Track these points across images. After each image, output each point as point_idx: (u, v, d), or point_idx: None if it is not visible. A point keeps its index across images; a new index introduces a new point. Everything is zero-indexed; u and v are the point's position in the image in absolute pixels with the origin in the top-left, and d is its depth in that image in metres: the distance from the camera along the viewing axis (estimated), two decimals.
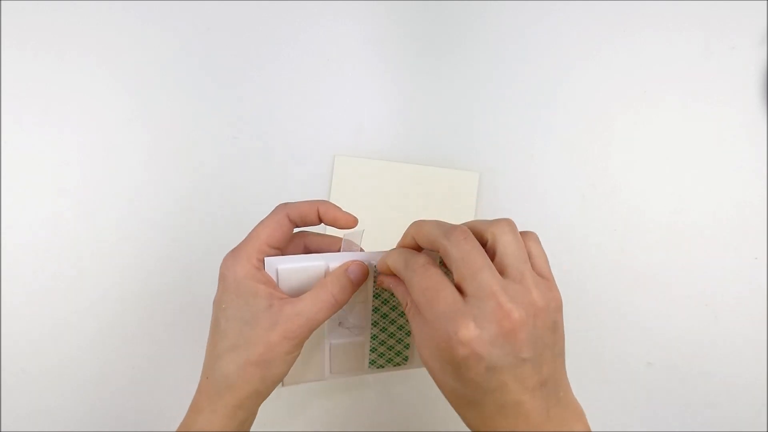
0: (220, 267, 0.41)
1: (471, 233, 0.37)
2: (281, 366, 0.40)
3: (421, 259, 0.38)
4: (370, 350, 0.46)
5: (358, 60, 0.61)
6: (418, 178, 0.59)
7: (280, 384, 0.46)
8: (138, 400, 0.59)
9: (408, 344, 0.46)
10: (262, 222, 0.43)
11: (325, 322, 0.42)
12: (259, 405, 0.42)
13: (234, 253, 0.42)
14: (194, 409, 0.41)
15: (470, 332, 0.34)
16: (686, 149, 0.59)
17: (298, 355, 0.41)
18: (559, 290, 0.40)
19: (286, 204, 0.43)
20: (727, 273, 0.58)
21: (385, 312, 0.45)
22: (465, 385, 0.35)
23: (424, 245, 0.39)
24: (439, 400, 0.56)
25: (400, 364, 0.47)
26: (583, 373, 0.58)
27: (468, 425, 0.38)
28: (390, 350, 0.46)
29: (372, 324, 0.45)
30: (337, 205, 0.43)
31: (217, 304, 0.41)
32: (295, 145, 0.60)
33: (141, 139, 0.60)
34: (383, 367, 0.47)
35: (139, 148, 0.60)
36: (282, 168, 0.60)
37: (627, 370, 0.58)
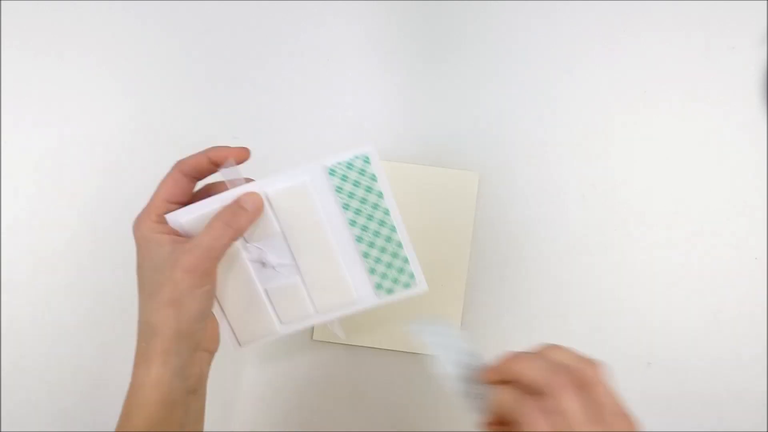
0: (132, 229, 0.44)
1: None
2: (193, 302, 0.41)
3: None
4: (370, 271, 0.45)
5: (358, 60, 0.61)
6: (418, 178, 0.59)
7: (238, 345, 0.47)
8: None
9: (407, 258, 0.45)
10: (164, 178, 0.45)
11: (250, 268, 0.44)
12: (189, 351, 0.42)
13: (139, 216, 0.44)
14: (134, 365, 0.42)
15: None
16: (686, 149, 0.59)
17: (210, 290, 0.42)
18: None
19: (180, 160, 0.45)
20: (727, 273, 0.58)
21: (365, 224, 0.44)
22: None
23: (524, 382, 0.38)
24: (439, 400, 0.55)
25: (408, 285, 0.45)
26: None
27: None
28: (390, 267, 0.45)
29: (357, 240, 0.44)
30: (227, 145, 0.44)
31: (137, 264, 0.43)
32: (295, 145, 0.60)
33: (141, 139, 0.60)
34: (392, 291, 0.46)
35: (138, 148, 0.60)
36: (282, 168, 0.60)
37: (627, 370, 0.58)
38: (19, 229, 0.59)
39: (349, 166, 0.43)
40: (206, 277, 0.41)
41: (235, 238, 0.42)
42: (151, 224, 0.43)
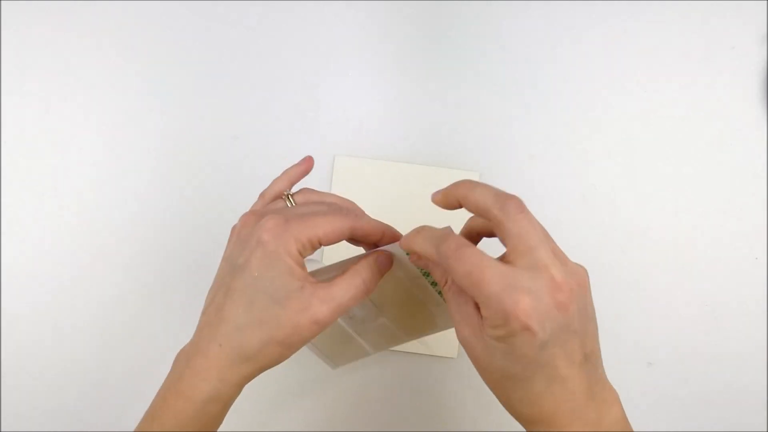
0: (263, 235, 0.39)
1: (525, 206, 0.37)
2: (300, 346, 0.40)
3: (452, 241, 0.36)
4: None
5: (358, 60, 0.61)
6: (418, 178, 0.59)
7: (332, 367, 0.51)
8: (138, 400, 0.59)
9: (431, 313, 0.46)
10: (326, 217, 0.40)
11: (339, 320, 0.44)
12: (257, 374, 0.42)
13: (283, 225, 0.39)
14: (197, 374, 0.40)
15: (527, 306, 0.33)
16: (686, 149, 0.59)
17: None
18: None
19: (355, 216, 0.42)
20: (727, 273, 0.58)
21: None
22: (515, 361, 0.35)
23: (471, 210, 0.38)
24: (439, 400, 0.56)
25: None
26: None
27: (510, 407, 0.38)
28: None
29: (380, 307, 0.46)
30: (402, 235, 0.41)
31: (244, 267, 0.39)
32: (295, 145, 0.60)
33: (141, 139, 0.60)
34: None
35: (138, 148, 0.60)
36: (282, 168, 0.60)
37: (627, 370, 0.58)
38: (19, 229, 0.60)
39: None
40: (324, 329, 0.39)
41: (364, 298, 0.40)
42: (293, 249, 0.39)
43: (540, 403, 0.36)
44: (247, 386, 0.59)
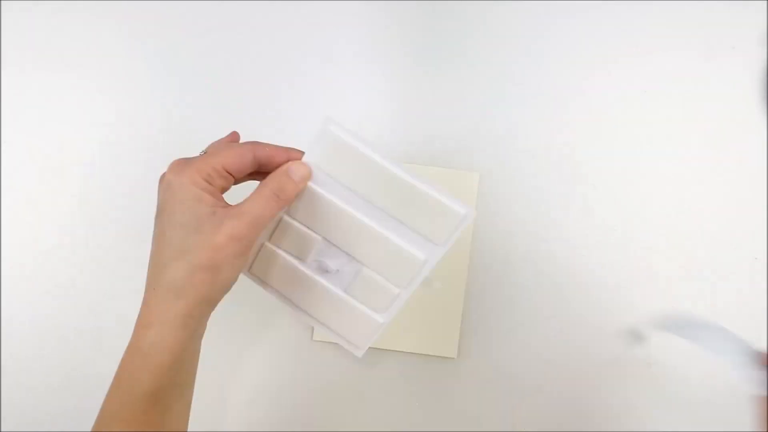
0: (166, 175, 0.40)
1: None
2: (230, 270, 0.39)
3: None
4: (415, 231, 0.45)
5: (357, 60, 0.61)
6: None
7: (359, 352, 0.49)
8: None
9: (437, 198, 0.44)
10: (227, 146, 0.42)
11: (323, 281, 0.46)
12: (209, 314, 0.41)
13: (184, 163, 0.41)
14: (142, 323, 0.40)
15: None
16: (686, 149, 0.59)
17: (246, 261, 0.41)
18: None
19: (256, 143, 0.43)
20: (727, 273, 0.58)
21: (378, 195, 0.44)
22: None
23: None
24: (439, 400, 0.56)
25: (454, 220, 0.45)
26: (584, 373, 0.58)
27: None
28: (428, 216, 0.45)
29: (383, 209, 0.44)
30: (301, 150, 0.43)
31: (161, 212, 0.40)
32: (295, 145, 0.60)
33: (141, 140, 0.60)
34: (446, 234, 0.45)
35: (139, 149, 0.60)
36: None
37: (627, 370, 0.58)
38: (19, 229, 0.60)
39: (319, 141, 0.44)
40: (249, 246, 0.40)
41: (281, 209, 0.41)
42: (198, 179, 0.40)
43: None
44: (245, 383, 0.59)
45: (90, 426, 0.59)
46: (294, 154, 0.43)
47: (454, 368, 0.58)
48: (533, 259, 0.59)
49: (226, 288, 0.40)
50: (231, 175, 0.41)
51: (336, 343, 0.58)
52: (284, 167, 0.42)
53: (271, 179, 0.41)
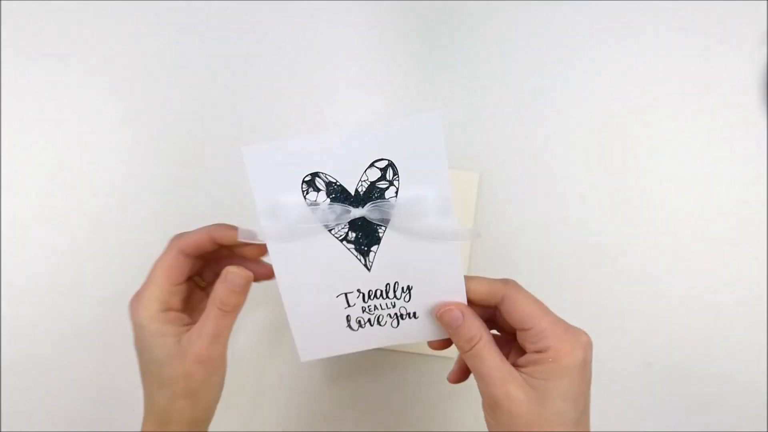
0: (129, 311, 0.43)
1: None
2: (209, 391, 0.42)
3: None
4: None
5: (358, 60, 0.61)
6: None
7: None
8: (137, 400, 0.59)
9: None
10: (157, 262, 0.43)
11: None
12: (206, 428, 0.44)
13: (137, 298, 0.43)
14: None
15: (585, 338, 0.40)
16: (686, 149, 0.59)
17: (223, 374, 0.43)
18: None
19: (178, 236, 0.44)
20: (727, 273, 0.58)
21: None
22: (576, 399, 0.38)
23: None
24: (439, 400, 0.55)
25: None
26: None
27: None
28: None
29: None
30: (230, 224, 0.43)
31: (136, 347, 0.43)
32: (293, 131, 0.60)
33: (141, 140, 0.60)
34: None
35: (139, 149, 0.60)
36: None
37: (627, 370, 0.59)
38: (19, 228, 0.60)
39: None
40: (218, 363, 0.42)
41: (234, 318, 0.43)
42: (155, 312, 0.42)
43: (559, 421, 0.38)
44: (245, 388, 0.59)
45: (89, 425, 0.59)
46: (217, 232, 0.43)
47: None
48: (533, 258, 0.59)
49: (209, 406, 0.43)
50: (178, 283, 0.43)
51: None
52: (222, 275, 0.42)
53: (214, 292, 0.42)
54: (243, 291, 0.42)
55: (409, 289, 0.44)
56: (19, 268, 0.59)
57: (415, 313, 0.45)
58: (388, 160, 0.40)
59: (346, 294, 0.44)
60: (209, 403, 0.42)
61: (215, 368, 0.42)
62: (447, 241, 0.42)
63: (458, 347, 0.42)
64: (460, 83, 0.60)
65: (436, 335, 0.46)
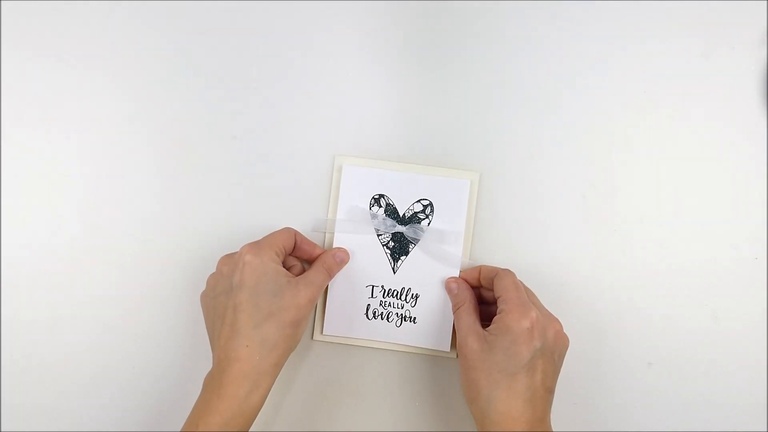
0: (244, 256, 0.51)
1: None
2: (306, 324, 0.53)
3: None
4: None
5: (358, 60, 0.61)
6: (417, 178, 0.59)
7: None
8: (138, 400, 0.59)
9: None
10: (278, 231, 0.55)
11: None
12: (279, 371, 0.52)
13: (257, 246, 0.52)
14: (235, 377, 0.48)
15: (536, 316, 0.50)
16: (686, 149, 0.59)
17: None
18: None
19: (294, 230, 0.56)
20: (727, 273, 0.58)
21: None
22: (511, 357, 0.48)
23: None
24: (439, 400, 0.55)
25: None
26: (584, 373, 0.58)
27: (477, 403, 0.50)
28: None
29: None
30: (333, 254, 0.57)
31: (242, 285, 0.50)
32: (295, 145, 0.60)
33: (141, 140, 0.60)
34: None
35: (138, 149, 0.60)
36: (282, 168, 0.60)
37: (627, 370, 0.58)
38: (19, 229, 0.60)
39: None
40: (312, 311, 0.54)
41: (329, 280, 0.56)
42: (273, 255, 0.52)
43: (516, 404, 0.48)
44: None
45: (89, 425, 0.59)
46: (325, 256, 0.56)
47: (453, 368, 0.58)
48: (533, 258, 0.59)
49: (297, 343, 0.53)
50: (286, 252, 0.55)
51: (336, 343, 0.59)
52: (332, 251, 0.57)
53: (324, 260, 0.55)
54: (342, 264, 0.57)
55: (416, 296, 0.58)
56: (19, 268, 0.59)
57: (414, 319, 0.58)
58: (429, 201, 0.58)
59: (373, 286, 0.58)
60: (301, 336, 0.53)
61: (311, 313, 0.54)
62: (450, 266, 0.58)
63: (452, 308, 0.56)
64: (461, 83, 0.60)
65: (425, 344, 0.58)
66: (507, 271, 0.54)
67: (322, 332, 0.58)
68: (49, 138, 0.60)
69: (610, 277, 0.59)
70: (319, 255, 0.56)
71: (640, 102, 0.60)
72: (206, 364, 0.52)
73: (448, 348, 0.58)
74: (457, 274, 0.58)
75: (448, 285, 0.57)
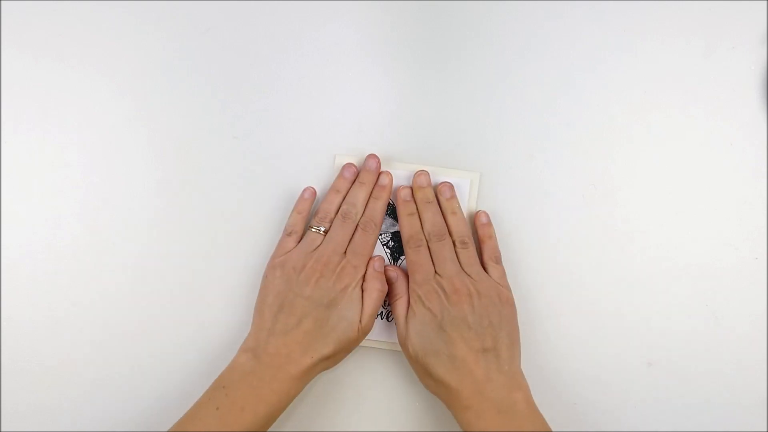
0: (344, 277, 0.54)
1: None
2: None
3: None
4: None
5: (357, 60, 0.61)
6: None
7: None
8: (138, 400, 0.59)
9: None
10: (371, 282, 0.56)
11: None
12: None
13: (355, 272, 0.55)
14: (286, 375, 0.51)
15: (431, 294, 0.53)
16: (686, 149, 0.59)
17: None
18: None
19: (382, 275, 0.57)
20: (727, 273, 0.58)
21: None
22: (424, 337, 0.52)
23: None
24: (438, 400, 0.55)
25: None
26: (584, 373, 0.58)
27: (429, 384, 0.53)
28: None
29: None
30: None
31: (335, 306, 0.53)
32: (295, 145, 0.60)
33: (141, 140, 0.60)
34: None
35: (138, 149, 0.60)
36: (282, 168, 0.60)
37: (627, 370, 0.58)
38: (19, 229, 0.60)
39: None
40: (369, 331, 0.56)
41: (384, 295, 0.56)
42: (361, 286, 0.55)
43: (447, 378, 0.50)
44: None
45: (89, 425, 0.59)
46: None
47: None
48: (533, 258, 0.59)
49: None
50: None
51: None
52: (374, 268, 0.56)
53: (376, 282, 0.56)
54: (381, 271, 0.57)
55: None
56: (19, 268, 0.59)
57: None
58: None
59: None
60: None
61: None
62: None
63: (389, 296, 0.57)
64: (461, 83, 0.60)
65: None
66: (404, 246, 0.56)
67: None
68: (50, 138, 0.60)
69: (610, 277, 0.59)
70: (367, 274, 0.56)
71: (640, 102, 0.60)
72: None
73: None
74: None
75: (387, 274, 0.56)
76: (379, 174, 0.58)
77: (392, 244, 0.59)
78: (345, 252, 0.55)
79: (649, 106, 0.60)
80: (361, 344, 0.57)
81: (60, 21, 0.60)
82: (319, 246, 0.55)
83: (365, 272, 0.55)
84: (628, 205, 0.59)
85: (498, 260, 0.56)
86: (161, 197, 0.60)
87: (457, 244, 0.55)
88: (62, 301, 0.59)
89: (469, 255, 0.55)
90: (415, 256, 0.55)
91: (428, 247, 0.55)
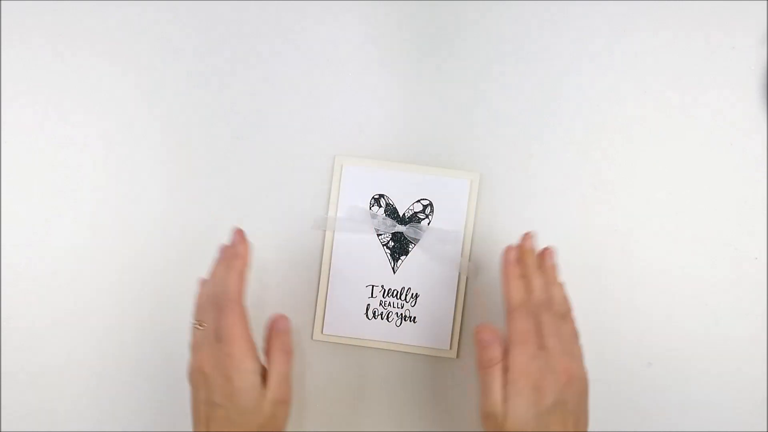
0: (230, 338, 0.48)
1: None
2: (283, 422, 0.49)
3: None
4: None
5: (358, 60, 0.61)
6: (417, 178, 0.59)
7: None
8: (138, 400, 0.59)
9: None
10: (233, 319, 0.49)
11: None
12: None
13: (240, 341, 0.48)
14: None
15: (537, 367, 0.47)
16: (686, 149, 0.59)
17: (289, 406, 0.50)
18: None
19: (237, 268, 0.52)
20: (727, 273, 0.58)
21: None
22: (532, 417, 0.46)
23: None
24: (439, 400, 0.55)
25: None
26: None
27: None
28: None
29: None
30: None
31: (220, 392, 0.47)
32: (295, 145, 0.60)
33: (141, 140, 0.60)
34: None
35: (140, 149, 0.60)
36: (282, 168, 0.60)
37: (627, 370, 0.59)
38: (19, 229, 0.60)
39: None
40: (290, 396, 0.49)
41: (291, 355, 0.50)
42: (250, 363, 0.48)
43: None
44: None
45: (89, 425, 0.59)
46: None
47: (453, 368, 0.58)
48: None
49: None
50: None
51: (336, 343, 0.59)
52: (272, 328, 0.50)
53: (275, 342, 0.50)
54: (289, 332, 0.51)
55: (416, 296, 0.59)
56: (19, 268, 0.59)
57: (414, 318, 0.58)
58: (429, 201, 0.59)
59: (372, 286, 0.58)
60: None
61: (289, 403, 0.49)
62: (451, 266, 0.58)
63: (479, 361, 0.49)
64: (461, 83, 0.60)
65: (425, 343, 0.58)
66: (514, 312, 0.49)
67: (322, 332, 0.58)
68: (50, 138, 0.60)
69: (610, 277, 0.59)
70: (268, 338, 0.51)
71: (640, 102, 0.60)
72: None
73: (447, 347, 0.58)
74: (456, 273, 0.58)
75: (481, 335, 0.49)
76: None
77: (392, 244, 0.59)
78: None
79: (649, 105, 0.60)
80: (361, 344, 0.57)
81: (60, 20, 0.60)
82: None
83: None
84: (628, 205, 0.59)
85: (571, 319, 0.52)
86: (162, 197, 0.60)
87: (557, 316, 0.51)
88: (62, 301, 0.59)
89: (569, 330, 0.51)
90: (525, 324, 0.48)
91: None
